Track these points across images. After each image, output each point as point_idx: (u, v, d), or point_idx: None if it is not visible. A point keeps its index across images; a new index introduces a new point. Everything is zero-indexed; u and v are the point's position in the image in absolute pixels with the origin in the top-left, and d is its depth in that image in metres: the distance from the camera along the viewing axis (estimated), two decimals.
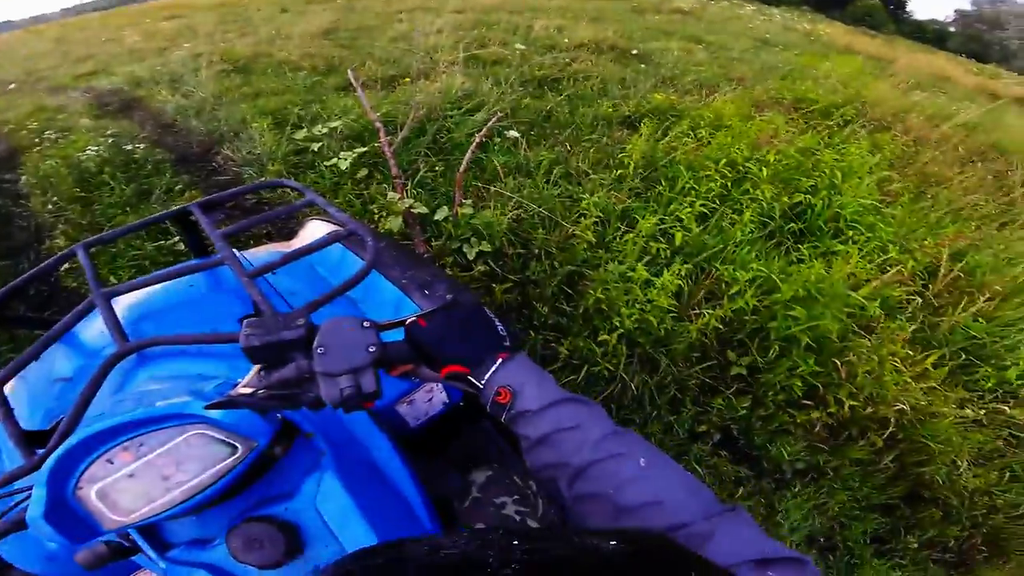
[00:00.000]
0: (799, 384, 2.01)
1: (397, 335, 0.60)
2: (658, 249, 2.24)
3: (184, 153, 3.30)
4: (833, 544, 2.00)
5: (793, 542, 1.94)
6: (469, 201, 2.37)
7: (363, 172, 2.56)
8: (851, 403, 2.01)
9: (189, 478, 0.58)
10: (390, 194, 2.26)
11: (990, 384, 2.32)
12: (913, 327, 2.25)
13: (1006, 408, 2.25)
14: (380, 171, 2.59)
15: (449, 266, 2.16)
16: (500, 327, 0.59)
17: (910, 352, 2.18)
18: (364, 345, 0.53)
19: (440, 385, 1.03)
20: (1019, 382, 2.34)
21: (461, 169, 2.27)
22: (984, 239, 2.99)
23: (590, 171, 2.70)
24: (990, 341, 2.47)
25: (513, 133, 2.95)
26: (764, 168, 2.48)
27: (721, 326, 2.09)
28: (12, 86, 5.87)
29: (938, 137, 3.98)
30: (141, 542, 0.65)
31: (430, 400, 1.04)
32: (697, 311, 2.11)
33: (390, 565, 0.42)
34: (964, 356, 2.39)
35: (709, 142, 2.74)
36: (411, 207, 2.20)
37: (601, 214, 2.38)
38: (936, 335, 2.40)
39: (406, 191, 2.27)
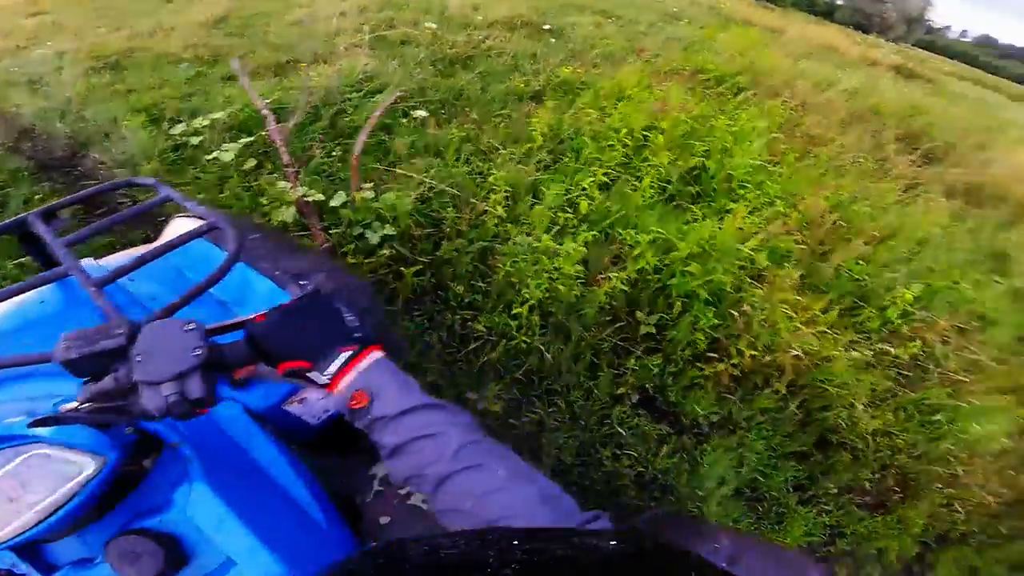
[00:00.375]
0: (702, 338, 2.12)
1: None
2: (565, 219, 2.27)
3: (45, 160, 2.91)
4: (759, 495, 2.11)
5: (722, 496, 2.04)
6: (370, 185, 2.27)
7: (251, 163, 2.38)
8: (751, 352, 2.14)
9: (39, 499, 0.56)
10: (280, 184, 2.11)
11: (875, 324, 2.53)
12: (800, 272, 2.44)
13: (890, 348, 2.44)
14: (271, 161, 2.42)
15: (352, 253, 2.07)
16: (350, 318, 0.56)
17: (799, 298, 2.36)
18: (187, 349, 0.51)
19: None
20: (900, 321, 2.55)
21: (355, 151, 2.16)
22: (861, 191, 3.30)
23: (500, 146, 2.68)
24: (871, 282, 2.71)
25: (420, 113, 2.86)
26: (661, 136, 2.58)
27: (627, 288, 2.16)
28: None
29: (823, 102, 4.33)
30: (24, 566, 0.63)
31: (324, 398, 1.00)
32: (604, 275, 2.16)
33: (390, 565, 0.41)
34: (850, 299, 2.62)
35: (611, 113, 2.80)
36: (304, 195, 2.07)
37: (510, 188, 2.37)
38: (822, 280, 2.62)
39: (299, 180, 2.13)
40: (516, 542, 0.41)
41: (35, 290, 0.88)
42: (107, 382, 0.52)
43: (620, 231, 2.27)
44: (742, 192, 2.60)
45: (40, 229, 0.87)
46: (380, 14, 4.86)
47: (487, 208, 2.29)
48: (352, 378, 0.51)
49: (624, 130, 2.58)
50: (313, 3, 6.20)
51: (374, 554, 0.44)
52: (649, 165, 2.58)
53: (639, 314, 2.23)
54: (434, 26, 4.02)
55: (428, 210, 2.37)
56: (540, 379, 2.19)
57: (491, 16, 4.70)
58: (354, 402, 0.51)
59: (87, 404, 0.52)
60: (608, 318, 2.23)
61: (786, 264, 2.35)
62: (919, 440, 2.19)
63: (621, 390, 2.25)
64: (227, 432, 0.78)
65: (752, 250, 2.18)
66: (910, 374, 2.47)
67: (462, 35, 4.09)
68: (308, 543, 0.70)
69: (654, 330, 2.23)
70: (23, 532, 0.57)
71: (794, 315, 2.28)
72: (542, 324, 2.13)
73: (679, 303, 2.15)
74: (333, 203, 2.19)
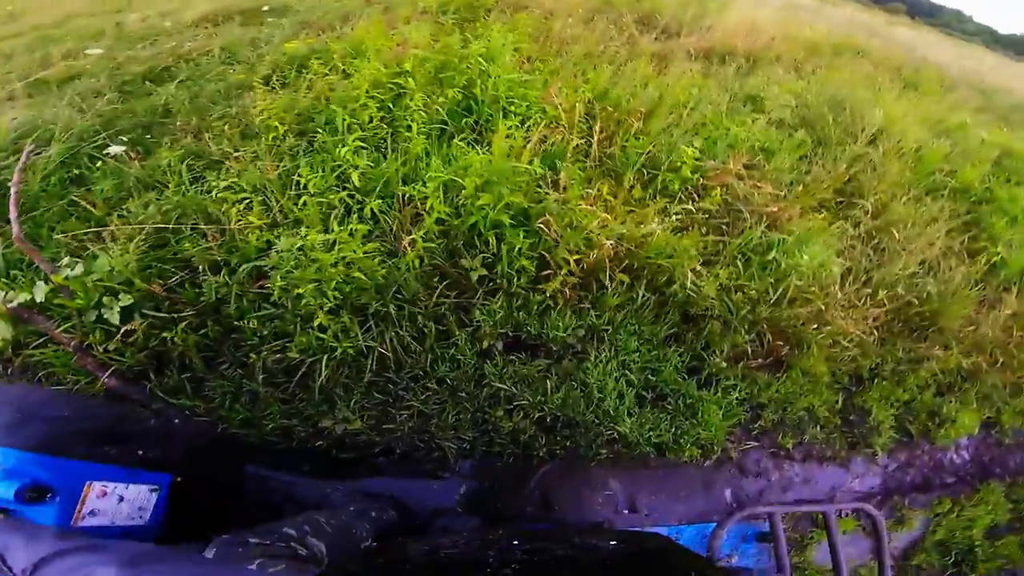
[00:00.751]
0: (527, 263, 2.04)
1: None
2: (340, 199, 1.96)
3: None
4: (660, 394, 2.14)
5: (627, 409, 2.03)
6: (65, 261, 1.69)
7: None
8: (575, 257, 2.11)
9: None
10: None
11: (676, 187, 2.65)
12: (586, 165, 2.49)
13: (697, 205, 2.54)
14: None
15: (103, 343, 1.56)
16: None
17: (590, 191, 2.38)
18: None
19: None
20: (695, 176, 2.69)
21: (15, 231, 1.56)
22: (619, 75, 3.52)
23: (235, 150, 2.20)
24: (655, 151, 2.87)
25: (114, 148, 2.22)
26: (411, 79, 2.35)
27: (436, 243, 1.98)
28: None
29: (564, 6, 4.50)
30: None
31: None
32: (409, 239, 1.93)
33: (390, 565, 0.54)
34: (644, 173, 2.75)
35: (352, 73, 2.48)
36: (7, 300, 1.45)
37: (260, 191, 1.96)
38: (612, 166, 2.72)
39: None
40: (516, 542, 0.51)
41: None
42: None
43: (406, 189, 2.04)
44: (512, 108, 2.54)
45: None
46: (31, 56, 3.74)
47: (241, 223, 1.87)
48: None
49: (366, 84, 2.30)
50: None
51: (374, 554, 0.44)
52: (414, 111, 2.35)
53: (464, 262, 2.06)
54: (99, 51, 3.19)
55: (168, 255, 1.87)
56: (397, 373, 1.94)
57: (188, 18, 3.91)
58: None
59: None
60: (436, 279, 2.03)
61: (562, 163, 2.35)
62: (766, 284, 2.31)
63: (485, 344, 2.10)
64: None
65: (528, 162, 2.11)
66: (726, 222, 2.62)
67: (150, 48, 3.32)
68: None
69: (485, 272, 2.09)
70: None
71: (594, 207, 2.29)
72: (361, 320, 1.85)
73: (491, 236, 2.02)
74: (36, 299, 1.59)
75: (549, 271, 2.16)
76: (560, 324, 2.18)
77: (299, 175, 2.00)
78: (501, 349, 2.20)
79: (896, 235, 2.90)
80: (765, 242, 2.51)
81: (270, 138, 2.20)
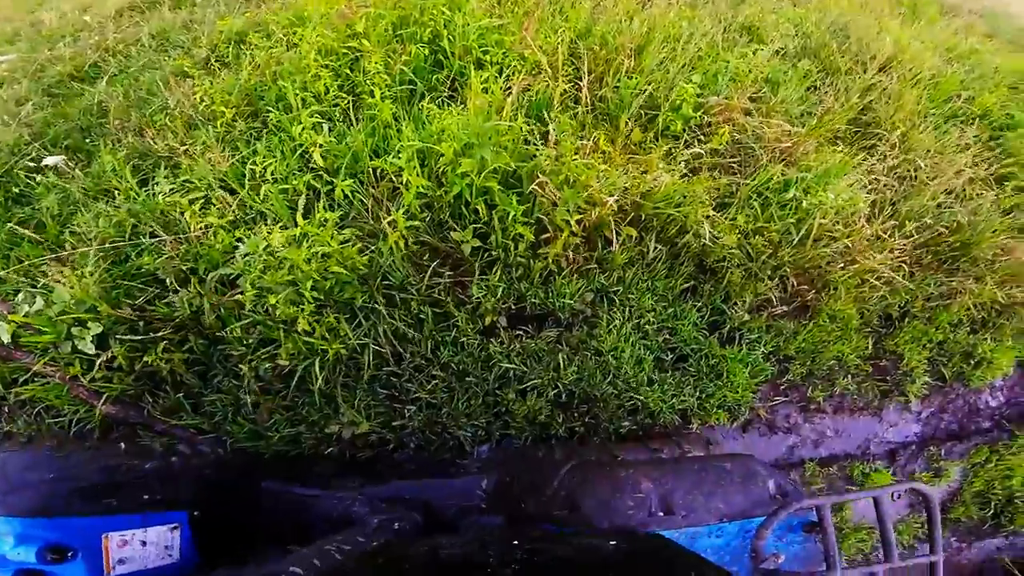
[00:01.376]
0: (523, 229, 1.84)
1: None
2: (305, 182, 1.74)
3: None
4: (682, 355, 2.00)
5: (646, 375, 1.90)
6: (20, 297, 1.51)
7: None
8: (576, 217, 1.91)
9: None
10: None
11: (678, 127, 2.40)
12: (577, 112, 2.24)
13: (704, 146, 2.30)
14: None
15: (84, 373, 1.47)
16: None
17: (585, 141, 2.14)
18: None
19: None
20: (698, 114, 2.44)
21: None
22: (601, 13, 3.18)
23: (181, 144, 1.97)
24: (652, 89, 2.60)
25: (51, 160, 1.99)
26: (364, 40, 2.08)
27: (423, 222, 1.77)
28: None
29: None
30: None
31: None
32: (388, 219, 1.72)
33: (390, 565, 0.50)
34: (642, 114, 2.50)
35: (297, 43, 2.20)
36: None
37: (214, 185, 1.75)
38: (607, 109, 2.46)
39: None
40: (516, 542, 0.48)
41: None
42: None
43: (376, 163, 1.81)
44: (487, 57, 2.26)
45: None
46: None
47: (202, 225, 1.67)
48: None
49: (315, 54, 2.03)
50: None
51: (374, 554, 0.43)
52: (374, 77, 2.09)
53: (454, 235, 1.87)
54: (10, 57, 2.89)
55: (131, 270, 1.68)
56: (398, 365, 1.79)
57: (112, 6, 3.55)
58: None
59: None
60: (425, 259, 1.84)
61: (550, 113, 2.10)
62: (789, 225, 2.12)
63: (487, 321, 1.93)
64: None
65: (511, 117, 1.87)
66: (737, 161, 2.40)
67: (73, 46, 3.00)
68: None
69: (479, 243, 1.89)
70: None
71: (590, 159, 2.07)
72: (350, 317, 1.67)
73: (480, 204, 1.81)
74: (3, 339, 1.44)
75: (548, 235, 1.95)
76: (566, 290, 2.00)
77: (255, 162, 1.77)
78: (505, 325, 2.03)
79: (920, 164, 2.67)
80: (782, 180, 2.28)
81: (218, 125, 1.95)
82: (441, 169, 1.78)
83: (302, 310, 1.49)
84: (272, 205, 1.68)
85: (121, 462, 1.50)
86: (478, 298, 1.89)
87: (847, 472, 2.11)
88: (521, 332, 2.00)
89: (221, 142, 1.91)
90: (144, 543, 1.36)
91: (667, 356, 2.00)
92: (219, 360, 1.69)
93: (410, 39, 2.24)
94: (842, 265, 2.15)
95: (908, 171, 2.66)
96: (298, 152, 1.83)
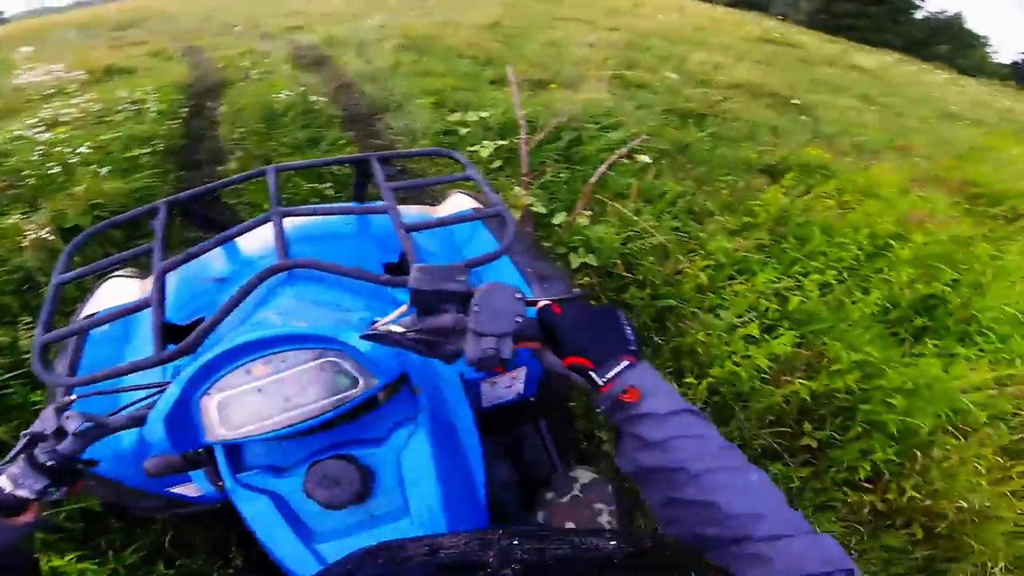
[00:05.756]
0: (867, 466, 1.83)
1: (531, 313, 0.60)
2: (767, 308, 2.15)
3: (354, 113, 3.78)
4: None
5: None
6: (588, 212, 2.46)
7: (498, 163, 2.77)
8: (912, 494, 1.80)
9: (308, 402, 0.59)
10: (516, 188, 2.42)
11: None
12: (1017, 437, 1.95)
13: None
14: (512, 166, 2.78)
15: None
16: (629, 332, 0.58)
17: (1000, 459, 1.88)
18: (513, 314, 0.54)
19: (523, 374, 1.04)
20: None
21: (592, 180, 2.36)
22: None
23: (716, 212, 2.65)
24: None
25: (644, 158, 2.98)
26: (907, 248, 2.26)
27: (808, 398, 1.96)
28: (237, 28, 7.09)
29: None
30: (221, 459, 0.65)
31: (509, 387, 1.05)
32: (788, 378, 1.99)
33: (390, 565, 0.42)
34: None
35: (854, 208, 2.54)
36: (531, 205, 2.35)
37: (716, 258, 2.34)
38: None
39: (530, 189, 2.42)
40: (516, 542, 0.41)
41: (343, 216, 1.03)
42: (446, 319, 0.54)
43: (826, 340, 2.07)
44: (980, 340, 2.14)
45: (377, 171, 1.04)
46: (624, 53, 5.11)
47: (687, 269, 2.30)
48: (624, 375, 0.55)
49: (865, 230, 2.32)
50: (567, 28, 6.84)
51: (374, 554, 0.43)
52: (883, 278, 2.28)
53: (807, 425, 2.02)
54: (673, 76, 4.10)
55: (629, 252, 2.48)
56: None
57: (732, 78, 4.61)
58: (625, 395, 0.53)
59: (414, 332, 0.55)
60: (772, 418, 2.06)
61: (1003, 424, 1.90)
62: None
63: None
64: (443, 393, 0.80)
65: (973, 403, 1.80)
66: None
67: (699, 91, 4.10)
68: (469, 516, 0.70)
69: (816, 444, 1.99)
70: (272, 431, 0.59)
71: (982, 471, 1.84)
72: (705, 400, 2.07)
73: (858, 427, 1.88)
74: (554, 220, 2.42)
75: (872, 485, 1.91)
76: (826, 527, 1.92)
77: (754, 266, 2.27)
78: None
79: None
80: None
81: (753, 222, 2.53)
82: (868, 384, 1.91)
83: (706, 372, 1.95)
84: (736, 299, 2.17)
85: None
86: (775, 471, 2.00)
87: None
88: None
89: (740, 231, 2.49)
90: None
91: None
92: None
93: (933, 274, 2.29)
94: None
95: None
96: (777, 284, 2.23)
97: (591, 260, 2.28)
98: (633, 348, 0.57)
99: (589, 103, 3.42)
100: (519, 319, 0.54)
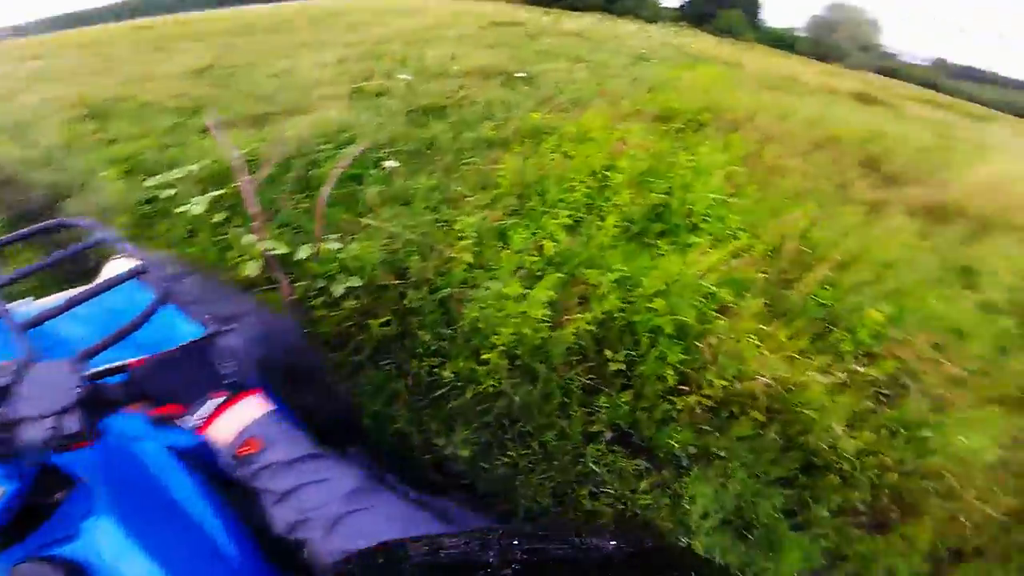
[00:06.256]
0: (671, 372, 2.14)
1: None
2: (531, 263, 2.32)
3: (22, 211, 2.95)
4: (748, 524, 2.04)
5: (709, 528, 1.98)
6: (335, 236, 2.32)
7: (220, 216, 2.43)
8: (721, 383, 2.16)
9: None
10: (245, 237, 2.15)
11: (848, 347, 2.53)
12: (764, 301, 2.49)
13: (865, 369, 2.39)
14: (241, 214, 2.46)
15: (317, 307, 2.09)
16: (227, 365, 0.60)
17: (764, 328, 2.39)
18: (67, 387, 0.54)
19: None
20: (872, 341, 2.56)
21: (319, 200, 2.22)
22: (824, 217, 3.41)
23: (468, 194, 2.76)
24: (839, 306, 2.76)
25: (390, 163, 2.95)
26: (620, 175, 2.67)
27: (594, 328, 2.19)
28: None
29: (783, 132, 4.53)
30: None
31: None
32: (570, 317, 2.20)
33: (390, 565, 0.41)
34: (820, 324, 2.64)
35: (574, 155, 2.91)
36: (270, 249, 2.11)
37: (477, 235, 2.43)
38: (788, 308, 2.67)
39: (266, 233, 2.17)
40: (516, 542, 0.41)
41: None
42: None
43: (585, 272, 2.32)
44: (704, 227, 2.69)
45: None
46: (359, 65, 5.03)
47: (454, 255, 2.34)
48: (240, 426, 0.54)
49: (585, 171, 2.68)
50: (296, 55, 6.45)
51: (374, 554, 0.43)
52: (612, 205, 2.66)
53: (607, 352, 2.26)
54: (409, 78, 4.18)
55: (395, 260, 2.42)
56: (511, 422, 2.19)
57: (467, 65, 4.91)
58: (244, 448, 0.54)
59: None
60: (577, 358, 2.25)
61: (747, 295, 2.40)
62: (907, 456, 2.14)
63: (595, 428, 2.24)
64: (146, 467, 0.79)
65: (715, 284, 2.23)
66: (888, 392, 2.45)
67: (437, 85, 4.25)
68: (217, 570, 0.71)
69: (624, 367, 2.24)
70: None
71: (760, 344, 2.30)
72: (509, 368, 2.14)
73: (646, 339, 2.18)
74: (298, 255, 2.22)
75: (687, 386, 2.23)
76: (677, 436, 2.21)
77: (510, 231, 2.42)
78: (609, 439, 2.31)
79: None
80: (922, 419, 2.26)
81: (500, 193, 2.70)
82: (632, 297, 2.20)
83: (496, 344, 2.01)
84: (503, 266, 2.29)
85: None
86: (599, 406, 2.22)
87: None
88: (619, 449, 2.25)
89: (493, 204, 2.64)
90: None
91: (734, 520, 2.07)
92: (397, 348, 2.19)
93: (648, 187, 2.79)
94: (942, 500, 2.04)
95: None
96: (536, 238, 2.44)
97: (354, 282, 2.15)
98: (229, 381, 0.58)
99: (319, 124, 3.24)
100: (76, 390, 0.54)
